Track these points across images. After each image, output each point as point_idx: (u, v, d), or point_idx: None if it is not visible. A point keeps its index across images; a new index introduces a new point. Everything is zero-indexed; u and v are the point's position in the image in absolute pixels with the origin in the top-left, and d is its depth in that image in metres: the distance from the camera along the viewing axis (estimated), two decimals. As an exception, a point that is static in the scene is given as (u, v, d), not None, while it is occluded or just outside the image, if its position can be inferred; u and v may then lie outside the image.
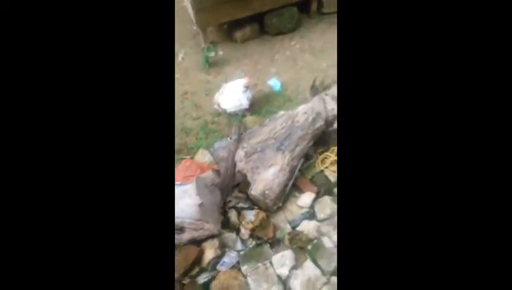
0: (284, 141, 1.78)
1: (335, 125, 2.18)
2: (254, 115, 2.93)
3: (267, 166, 1.72)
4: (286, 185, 1.73)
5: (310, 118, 1.85)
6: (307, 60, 3.34)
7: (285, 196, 1.79)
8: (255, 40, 3.53)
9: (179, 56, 3.43)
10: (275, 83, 3.19)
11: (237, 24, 3.43)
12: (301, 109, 1.93)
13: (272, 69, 3.33)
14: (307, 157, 2.07)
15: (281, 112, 2.19)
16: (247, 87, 2.74)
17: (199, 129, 2.90)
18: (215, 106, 2.74)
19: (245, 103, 2.72)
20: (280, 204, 1.78)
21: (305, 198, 1.82)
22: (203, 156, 2.25)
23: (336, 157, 1.95)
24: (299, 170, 2.00)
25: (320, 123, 1.89)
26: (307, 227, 1.71)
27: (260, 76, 3.29)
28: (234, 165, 1.85)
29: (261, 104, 3.06)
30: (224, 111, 2.76)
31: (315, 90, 2.30)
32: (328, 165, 1.98)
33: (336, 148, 2.04)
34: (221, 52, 3.47)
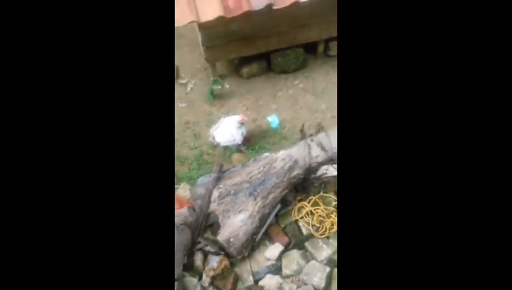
0: (258, 186, 1.77)
1: (319, 172, 2.14)
2: (249, 149, 2.96)
3: (237, 211, 1.71)
4: (254, 234, 1.70)
5: (287, 166, 1.83)
6: (307, 100, 3.35)
7: (253, 245, 1.75)
8: (261, 76, 3.60)
9: (188, 86, 3.58)
10: (273, 120, 3.21)
11: (246, 60, 3.54)
12: (281, 154, 1.93)
13: (273, 105, 3.36)
14: (286, 203, 2.03)
15: (265, 154, 2.20)
16: (241, 123, 2.78)
17: (194, 159, 2.96)
18: (210, 138, 2.80)
19: (238, 139, 2.76)
20: (246, 253, 1.74)
21: (274, 249, 1.77)
22: (185, 191, 2.28)
23: (311, 208, 1.89)
24: (276, 215, 1.96)
25: (297, 171, 1.86)
26: (269, 282, 1.67)
27: (261, 111, 3.33)
28: (209, 204, 1.86)
29: (256, 140, 3.08)
30: (218, 144, 2.81)
31: (303, 134, 2.29)
32: (304, 216, 1.92)
33: (314, 197, 1.98)
34: (227, 86, 3.57)
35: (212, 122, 3.19)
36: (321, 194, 2.04)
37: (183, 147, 3.04)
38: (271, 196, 1.75)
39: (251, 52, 3.28)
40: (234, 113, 3.28)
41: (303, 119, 3.18)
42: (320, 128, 2.33)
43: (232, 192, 1.78)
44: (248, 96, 3.48)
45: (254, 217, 1.68)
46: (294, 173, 1.85)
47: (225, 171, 2.12)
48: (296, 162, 1.86)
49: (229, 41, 3.08)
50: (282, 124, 3.20)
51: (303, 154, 2.13)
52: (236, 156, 2.51)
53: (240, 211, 1.70)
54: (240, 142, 2.78)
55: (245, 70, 3.50)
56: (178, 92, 3.51)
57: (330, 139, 2.23)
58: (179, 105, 3.37)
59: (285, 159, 1.87)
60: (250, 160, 2.20)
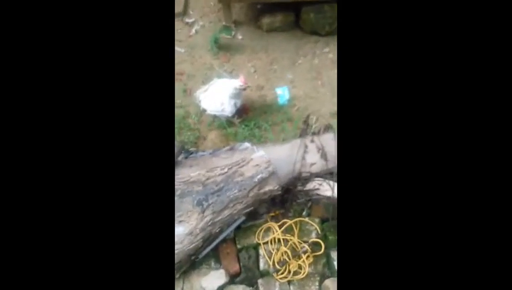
0: (211, 194, 1.21)
1: (308, 186, 1.55)
2: (242, 123, 2.35)
3: (177, 220, 1.22)
4: (193, 255, 1.22)
5: (258, 177, 1.25)
6: (333, 77, 2.57)
7: (189, 265, 1.28)
8: (284, 33, 2.78)
9: (194, 28, 2.87)
10: (282, 93, 2.49)
11: (270, 8, 2.71)
12: (257, 156, 1.33)
13: (289, 74, 2.62)
14: (254, 216, 1.50)
15: (245, 145, 1.60)
16: (240, 90, 2.13)
17: (176, 121, 2.41)
18: (196, 102, 2.21)
19: (228, 110, 2.11)
20: (176, 275, 1.28)
21: (216, 278, 1.26)
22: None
23: (281, 236, 1.34)
24: (239, 227, 1.46)
25: (271, 187, 1.28)
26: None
27: (271, 78, 2.61)
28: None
29: (255, 114, 2.44)
30: (204, 111, 2.22)
31: (304, 129, 1.65)
32: (270, 242, 1.39)
33: (289, 222, 1.41)
34: (240, 37, 2.81)
35: (210, 78, 2.56)
36: (302, 217, 1.48)
37: None
38: (226, 212, 1.21)
39: (276, -1, 2.46)
40: (238, 72, 2.61)
41: (320, 101, 2.46)
42: (328, 127, 1.67)
43: (179, 192, 1.26)
44: (261, 55, 2.74)
45: (196, 236, 1.18)
46: (267, 188, 1.28)
47: (191, 153, 1.59)
48: (273, 173, 1.27)
49: (250, -24, 2.27)
50: (293, 102, 2.49)
51: (293, 157, 1.52)
52: (213, 135, 1.92)
53: (179, 222, 1.21)
54: (229, 114, 2.17)
55: (266, 21, 2.69)
56: (180, 33, 2.83)
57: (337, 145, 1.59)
58: (177, 50, 2.73)
59: (259, 165, 1.28)
60: (225, 146, 1.63)
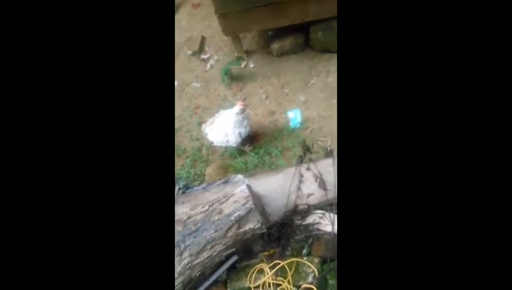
0: (188, 235, 1.10)
1: (308, 219, 1.35)
2: (254, 151, 2.26)
3: None
4: None
5: (235, 215, 1.11)
6: (349, 94, 2.35)
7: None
8: (295, 55, 2.68)
9: (209, 63, 2.96)
10: (295, 116, 2.35)
11: (280, 33, 2.67)
12: (238, 190, 1.20)
13: (301, 96, 2.48)
14: (249, 254, 1.36)
15: (238, 177, 1.49)
16: (241, 115, 2.05)
17: (191, 153, 2.44)
18: (204, 135, 2.20)
19: (233, 140, 2.05)
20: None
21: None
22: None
23: (272, 280, 1.15)
24: (234, 266, 1.33)
25: (249, 226, 1.12)
26: None
27: (283, 102, 2.50)
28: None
29: (266, 139, 2.33)
30: (211, 143, 2.20)
31: (300, 157, 1.47)
32: (261, 287, 1.22)
33: (282, 263, 1.22)
34: (251, 65, 2.81)
35: (225, 109, 2.57)
36: (300, 256, 1.29)
37: (185, 136, 2.52)
38: (205, 255, 1.07)
39: (280, 24, 2.38)
40: (251, 100, 2.57)
41: (335, 120, 2.26)
42: (328, 151, 1.47)
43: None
44: (273, 80, 2.66)
45: (174, 280, 1.10)
46: (247, 227, 1.13)
47: (188, 188, 1.55)
48: (251, 210, 1.12)
49: (250, 7, 2.28)
50: (305, 124, 2.34)
51: (287, 188, 1.37)
52: (211, 169, 1.85)
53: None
54: (234, 145, 2.11)
55: (275, 46, 2.63)
56: (196, 69, 2.95)
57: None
58: (193, 85, 2.83)
59: (238, 201, 1.16)
60: (219, 179, 1.55)
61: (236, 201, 1.15)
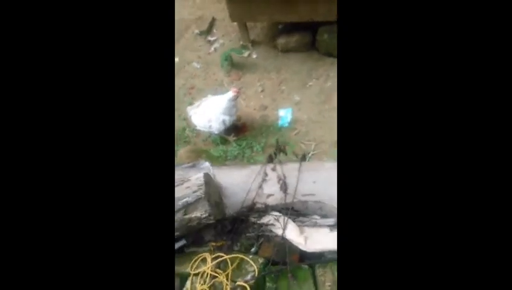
0: None
1: (265, 219, 1.33)
2: (238, 141, 2.23)
3: None
4: None
5: (182, 201, 1.08)
6: (343, 102, 2.29)
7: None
8: (299, 53, 2.62)
9: (213, 45, 2.92)
10: (285, 115, 2.31)
11: (289, 29, 2.60)
12: (195, 177, 1.18)
13: (296, 96, 2.42)
14: (199, 240, 1.35)
15: (206, 163, 1.47)
16: (233, 103, 2.00)
17: (177, 133, 2.42)
18: (188, 117, 2.18)
19: (215, 127, 2.02)
20: None
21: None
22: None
23: (210, 271, 1.13)
24: (182, 250, 1.33)
25: (196, 214, 1.10)
26: None
27: (277, 99, 2.45)
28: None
29: (253, 133, 2.29)
30: (194, 127, 2.17)
31: (271, 157, 1.44)
32: (200, 274, 1.20)
33: (226, 256, 1.21)
34: (254, 56, 2.75)
35: (218, 94, 2.54)
36: (246, 254, 1.28)
37: (175, 116, 2.52)
38: None
39: (288, 19, 2.31)
40: (246, 90, 2.53)
41: (323, 127, 2.20)
42: (303, 156, 1.44)
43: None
44: (273, 74, 2.61)
45: None
46: (193, 214, 1.12)
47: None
48: (201, 199, 1.11)
49: (260, -3, 2.21)
50: (294, 125, 2.29)
51: (249, 185, 1.35)
52: (183, 151, 1.83)
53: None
54: (216, 131, 2.08)
55: (281, 41, 2.57)
56: (200, 49, 2.90)
57: (304, 178, 1.34)
58: (193, 65, 2.80)
59: (190, 188, 1.14)
60: (187, 163, 1.54)
61: (189, 187, 1.13)
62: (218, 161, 2.08)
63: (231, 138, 2.19)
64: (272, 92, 2.45)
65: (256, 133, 2.23)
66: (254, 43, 2.73)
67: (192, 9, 3.12)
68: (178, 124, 2.38)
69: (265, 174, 1.35)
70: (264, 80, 2.53)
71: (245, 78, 2.58)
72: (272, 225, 1.29)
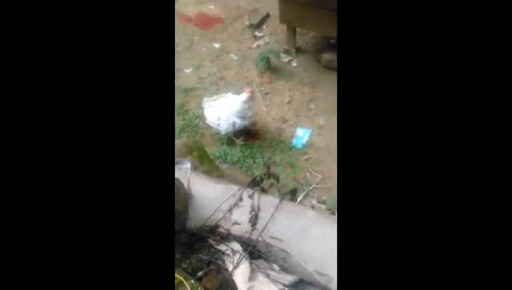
0: None
1: (223, 247, 1.16)
2: (245, 146, 2.07)
3: None
4: None
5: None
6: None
7: None
8: (342, 75, 2.36)
9: (257, 42, 2.74)
10: (303, 135, 2.09)
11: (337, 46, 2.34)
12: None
13: (321, 120, 2.17)
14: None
15: (187, 164, 1.33)
16: (247, 102, 1.82)
17: (188, 119, 2.30)
18: (201, 107, 2.04)
19: (223, 127, 1.86)
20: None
21: None
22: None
23: None
24: None
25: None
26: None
27: (301, 116, 2.21)
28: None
29: (262, 144, 2.10)
30: (205, 119, 2.04)
31: (254, 181, 1.25)
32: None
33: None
34: (294, 64, 2.52)
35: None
36: (188, 279, 1.13)
37: (194, 100, 2.38)
38: None
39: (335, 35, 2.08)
40: (272, 97, 2.33)
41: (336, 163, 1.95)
42: (293, 190, 1.22)
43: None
44: (306, 89, 2.37)
45: None
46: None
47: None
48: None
49: (316, 6, 1.97)
50: (307, 149, 2.07)
51: (219, 204, 1.19)
52: (181, 142, 1.70)
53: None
54: (223, 132, 1.92)
55: (326, 56, 2.31)
56: (244, 42, 2.74)
57: (279, 219, 1.14)
58: (231, 56, 2.66)
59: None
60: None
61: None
62: (217, 161, 1.96)
63: (239, 142, 2.04)
64: (298, 107, 2.24)
65: (265, 145, 2.05)
66: (299, 51, 2.51)
67: (251, 0, 2.98)
68: (195, 111, 2.29)
69: (240, 199, 1.18)
70: (295, 92, 2.32)
71: (276, 84, 2.39)
72: (228, 256, 1.13)
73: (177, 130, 2.14)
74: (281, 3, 2.10)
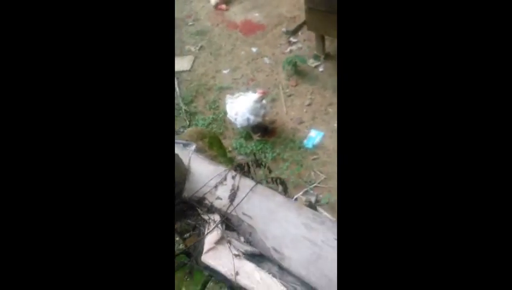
0: None
1: (205, 216, 1.36)
2: (260, 141, 2.23)
3: None
4: None
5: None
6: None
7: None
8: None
9: (290, 47, 2.86)
10: (315, 136, 2.15)
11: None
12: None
13: (336, 123, 2.20)
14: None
15: (192, 145, 1.57)
16: (258, 105, 2.01)
17: (214, 110, 2.55)
18: (225, 103, 2.26)
19: (239, 121, 2.05)
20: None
21: None
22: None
23: None
24: None
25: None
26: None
27: (317, 118, 2.27)
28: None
29: (275, 141, 2.23)
30: (225, 113, 2.25)
31: (240, 166, 1.41)
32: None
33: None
34: (320, 69, 2.57)
35: (270, 92, 2.54)
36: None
37: (224, 97, 2.64)
38: None
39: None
40: (295, 98, 2.43)
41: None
42: (283, 183, 1.35)
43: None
44: (327, 93, 2.41)
45: None
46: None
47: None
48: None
49: (335, 13, 2.01)
50: (317, 150, 2.12)
51: (207, 180, 1.39)
52: (193, 130, 1.93)
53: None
54: (239, 126, 2.09)
55: (351, 62, 2.34)
56: (279, 47, 2.89)
57: (252, 200, 1.29)
58: (264, 60, 2.83)
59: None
60: (186, 140, 1.67)
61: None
62: (233, 151, 2.18)
63: (255, 137, 2.23)
64: (316, 110, 2.32)
65: (278, 142, 2.19)
66: (327, 57, 2.58)
67: (292, 8, 3.13)
68: (224, 108, 2.56)
69: (225, 179, 1.37)
70: (317, 95, 2.40)
71: (300, 87, 2.50)
72: (208, 223, 1.33)
73: (206, 122, 2.44)
74: (306, 12, 2.22)
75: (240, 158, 2.14)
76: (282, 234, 1.19)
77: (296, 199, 1.82)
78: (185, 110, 2.50)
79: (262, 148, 2.15)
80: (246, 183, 1.35)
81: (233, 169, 1.42)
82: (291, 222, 1.20)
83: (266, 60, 2.79)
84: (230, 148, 2.23)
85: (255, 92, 2.13)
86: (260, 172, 1.77)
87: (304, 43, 2.80)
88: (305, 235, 1.15)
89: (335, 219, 1.64)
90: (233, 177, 1.38)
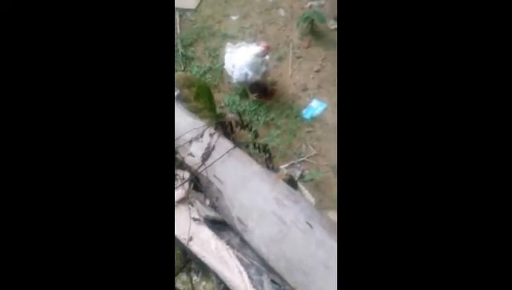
0: None
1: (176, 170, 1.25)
2: (258, 102, 2.04)
3: None
4: None
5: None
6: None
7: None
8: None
9: (310, 3, 2.51)
10: (316, 107, 1.96)
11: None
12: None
13: (342, 97, 2.00)
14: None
15: (177, 91, 1.39)
16: (259, 59, 1.78)
17: (209, 53, 2.29)
18: (224, 52, 2.03)
19: (236, 75, 1.84)
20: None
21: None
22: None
23: None
24: None
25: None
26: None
27: (323, 87, 2.04)
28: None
29: (272, 105, 2.05)
30: (223, 64, 2.03)
31: (221, 124, 1.25)
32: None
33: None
34: (339, 33, 2.29)
35: (277, 49, 2.28)
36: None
37: (220, 33, 2.33)
38: None
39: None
40: (304, 60, 2.17)
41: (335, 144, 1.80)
42: (267, 151, 1.20)
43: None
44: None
45: None
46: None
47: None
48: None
49: None
50: (314, 122, 1.94)
51: (184, 132, 1.25)
52: (179, 74, 1.73)
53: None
54: (235, 80, 1.90)
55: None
56: (298, 1, 2.55)
57: (226, 162, 1.15)
58: (279, 11, 2.51)
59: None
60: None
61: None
62: (224, 108, 2.00)
63: (252, 96, 2.04)
64: (324, 78, 2.09)
65: (274, 107, 2.01)
66: (350, 20, 2.27)
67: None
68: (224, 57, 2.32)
69: (201, 135, 1.23)
70: (328, 62, 2.15)
71: (312, 49, 2.24)
72: (177, 180, 1.23)
73: (201, 71, 2.23)
74: None
75: (230, 116, 1.99)
76: (250, 205, 1.08)
77: (277, 170, 1.70)
78: (181, 52, 2.27)
79: (255, 109, 1.97)
80: (224, 144, 1.21)
81: (213, 126, 1.27)
82: (262, 194, 1.08)
83: (281, 11, 2.48)
84: (222, 104, 2.07)
85: (259, 45, 1.89)
86: (248, 135, 1.63)
87: (328, 1, 2.46)
88: (275, 211, 1.04)
89: (313, 200, 1.54)
90: (210, 135, 1.24)
